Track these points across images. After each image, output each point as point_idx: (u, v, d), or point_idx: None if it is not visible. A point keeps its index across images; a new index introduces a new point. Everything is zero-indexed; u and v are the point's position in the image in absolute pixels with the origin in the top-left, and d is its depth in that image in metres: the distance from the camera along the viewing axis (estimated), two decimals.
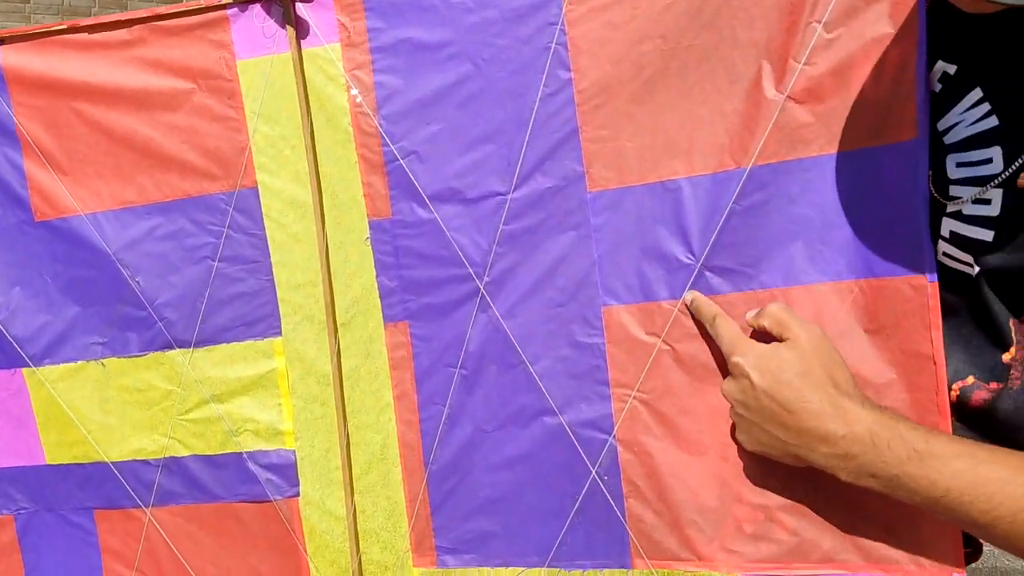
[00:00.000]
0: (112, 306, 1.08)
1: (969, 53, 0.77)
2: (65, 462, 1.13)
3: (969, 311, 0.79)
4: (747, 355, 0.80)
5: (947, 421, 0.79)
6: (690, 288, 0.89)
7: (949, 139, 0.78)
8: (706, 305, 0.87)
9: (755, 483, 0.88)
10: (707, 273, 0.88)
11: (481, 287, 0.96)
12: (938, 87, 0.79)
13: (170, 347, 1.07)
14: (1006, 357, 0.81)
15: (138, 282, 1.07)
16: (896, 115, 0.79)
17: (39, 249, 1.09)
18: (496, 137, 0.94)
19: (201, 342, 1.06)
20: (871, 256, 0.81)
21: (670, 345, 0.90)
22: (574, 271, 0.94)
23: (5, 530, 1.16)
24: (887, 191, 0.80)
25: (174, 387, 1.08)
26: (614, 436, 0.94)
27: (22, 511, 1.15)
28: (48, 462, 1.13)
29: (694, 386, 0.90)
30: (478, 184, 0.95)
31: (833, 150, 0.82)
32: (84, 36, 1.04)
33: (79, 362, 1.10)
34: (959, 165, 0.77)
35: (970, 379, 0.80)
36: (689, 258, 0.89)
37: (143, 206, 1.06)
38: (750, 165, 0.85)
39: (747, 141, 0.85)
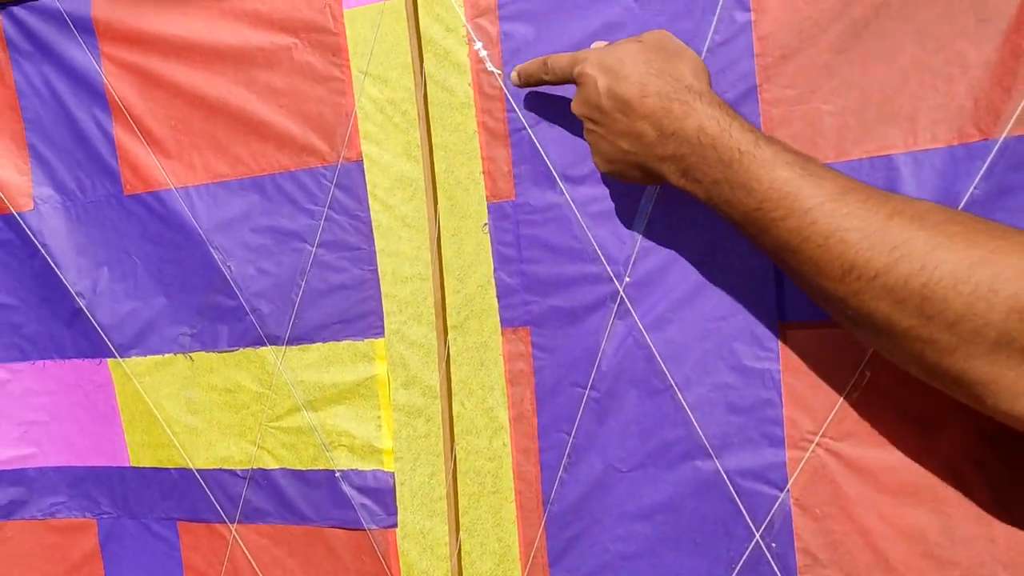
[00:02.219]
0: (203, 294, 0.95)
1: None
2: (150, 466, 1.01)
3: None
4: (588, 59, 0.68)
5: None
6: None
7: None
8: (531, 63, 0.74)
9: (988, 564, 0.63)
10: None
11: (620, 289, 0.76)
12: None
13: (261, 343, 0.93)
14: None
15: (230, 267, 0.93)
16: None
17: (128, 227, 0.98)
18: None
19: (294, 339, 0.92)
20: None
21: (868, 373, 0.67)
22: (742, 275, 0.72)
23: (87, 535, 1.06)
24: None
25: (265, 389, 0.94)
26: (788, 492, 0.71)
27: (105, 516, 1.05)
28: (132, 464, 1.02)
29: (904, 432, 0.66)
30: None
31: None
32: None
33: (167, 355, 0.98)
34: None
35: None
36: None
37: (237, 180, 0.92)
38: (1003, 136, 0.61)
39: (999, 102, 0.61)
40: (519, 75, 0.76)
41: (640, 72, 0.64)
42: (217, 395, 0.96)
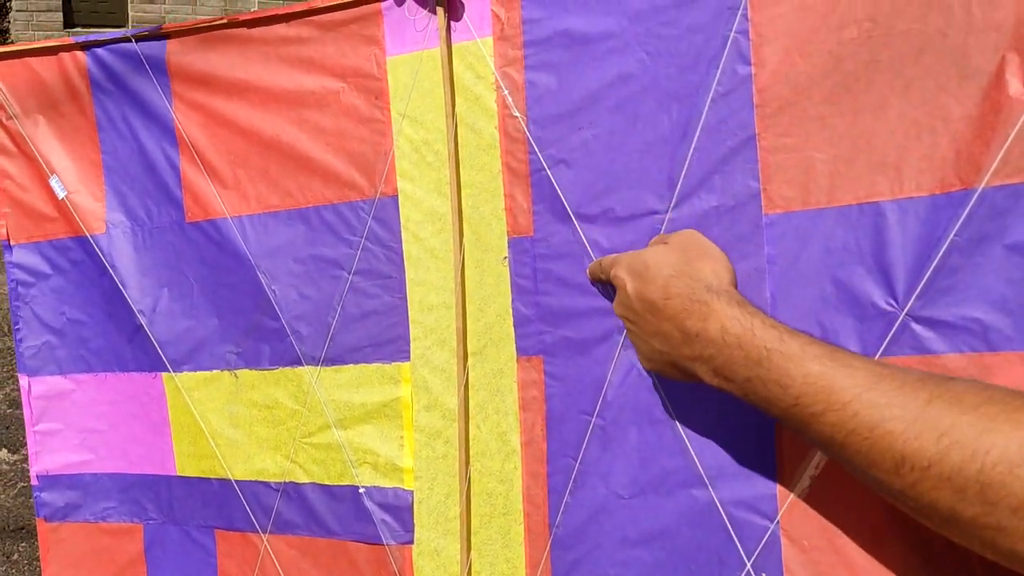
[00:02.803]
0: (250, 315, 1.03)
1: None
2: (194, 475, 1.08)
3: None
4: (620, 263, 0.74)
5: None
6: (889, 341, 0.68)
7: None
8: (592, 265, 0.82)
9: None
10: (914, 325, 0.67)
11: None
12: None
13: (299, 363, 1.00)
14: None
15: (274, 291, 1.01)
16: None
17: (188, 251, 1.06)
18: (657, 145, 0.79)
19: (329, 360, 0.98)
20: None
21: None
22: None
23: (134, 540, 1.13)
24: None
25: (300, 406, 1.00)
26: (778, 523, 0.74)
27: (151, 522, 1.12)
28: (178, 473, 1.09)
29: None
30: (632, 200, 0.80)
31: None
32: (243, 31, 1.01)
33: (214, 371, 1.06)
34: None
35: None
36: (891, 304, 0.68)
37: (285, 211, 1.00)
38: (982, 185, 0.64)
39: (980, 154, 0.64)
40: (590, 275, 0.82)
41: (664, 275, 0.67)
42: (257, 411, 1.03)
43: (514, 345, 0.88)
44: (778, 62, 0.73)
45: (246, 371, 1.04)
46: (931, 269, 0.66)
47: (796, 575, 0.73)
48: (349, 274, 0.97)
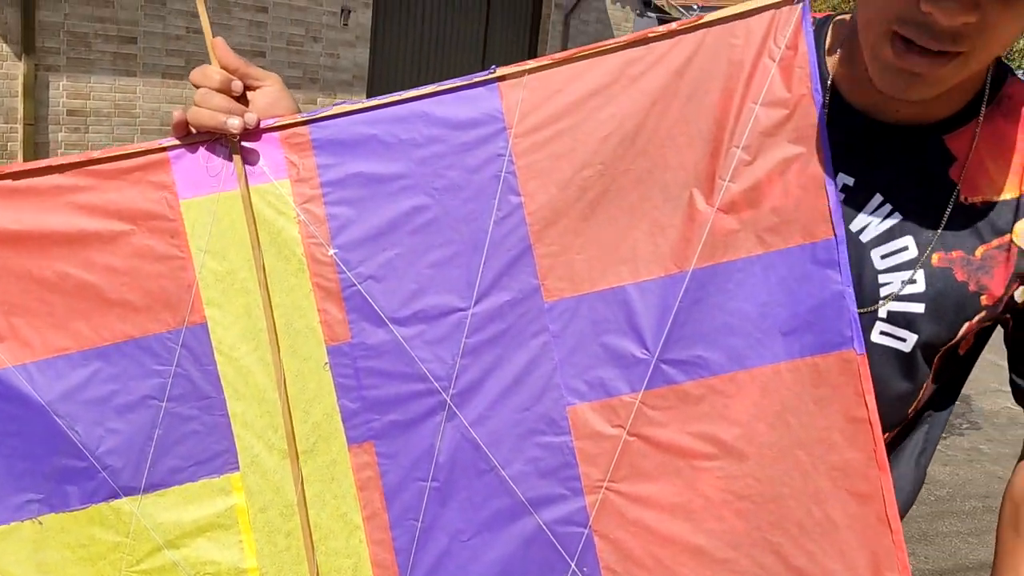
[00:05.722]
0: (47, 459, 1.02)
1: (863, 167, 0.97)
2: None
3: (898, 378, 0.95)
4: None
5: (887, 474, 0.93)
6: (648, 380, 0.99)
7: (865, 237, 0.96)
8: None
9: (729, 547, 0.97)
10: (662, 366, 0.98)
11: (448, 399, 1.01)
12: (842, 196, 0.96)
13: (116, 496, 1.03)
14: (909, 409, 0.99)
15: (77, 432, 1.02)
16: (813, 219, 0.94)
17: None
18: (453, 259, 1.01)
19: (151, 486, 1.03)
20: (804, 338, 0.95)
21: (635, 435, 0.99)
22: (537, 375, 1.01)
23: None
24: (811, 282, 0.95)
25: (123, 537, 1.03)
26: (590, 527, 1.00)
27: None
28: None
29: (663, 468, 0.98)
30: (438, 302, 1.02)
31: (760, 251, 0.96)
32: (8, 183, 1.02)
33: (11, 523, 1.02)
34: (883, 257, 0.95)
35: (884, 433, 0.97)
36: (644, 353, 0.99)
37: (79, 352, 1.03)
38: (691, 268, 0.98)
39: (685, 249, 0.98)
40: None
41: None
42: (71, 551, 1.03)
43: (344, 436, 1.03)
44: (540, 192, 1.00)
45: (52, 516, 1.03)
46: (668, 326, 0.98)
47: (609, 563, 1.00)
48: (163, 401, 1.03)
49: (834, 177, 0.95)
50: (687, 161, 0.98)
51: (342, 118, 1.02)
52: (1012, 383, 1.03)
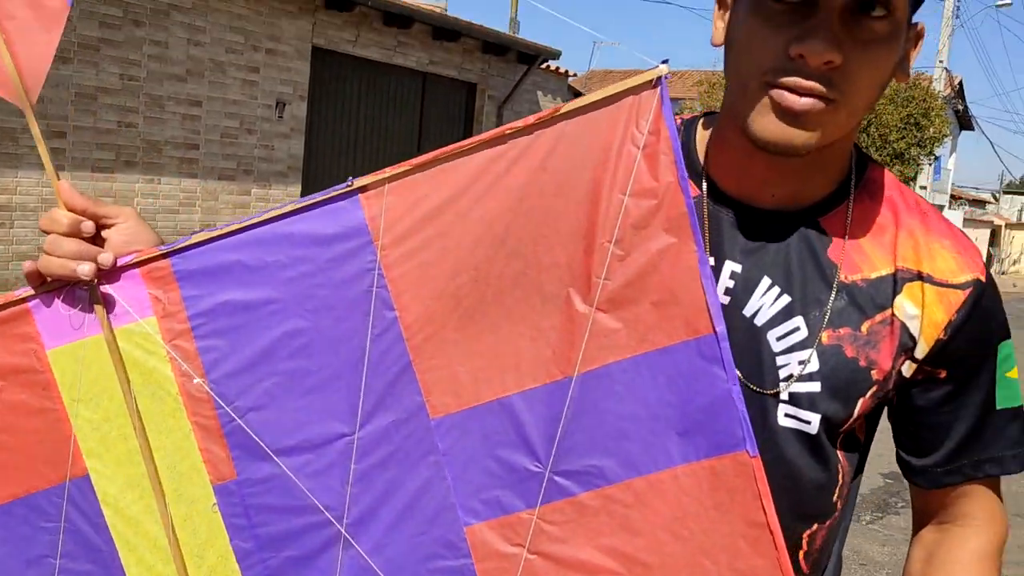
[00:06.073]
0: None
1: (747, 252, 0.95)
2: None
3: (811, 463, 0.93)
4: None
5: None
6: (543, 494, 0.93)
7: (759, 320, 0.94)
8: None
9: None
10: (556, 478, 0.93)
11: (343, 530, 0.97)
12: (731, 283, 0.93)
13: None
14: (834, 498, 0.95)
15: None
16: (693, 313, 0.89)
17: None
18: (333, 381, 0.97)
19: None
20: (698, 439, 0.89)
21: (536, 552, 0.94)
22: (431, 497, 0.96)
23: None
24: (699, 380, 0.89)
25: None
26: None
27: None
28: None
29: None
30: (323, 429, 0.97)
31: (645, 350, 0.91)
32: None
33: None
34: (778, 339, 0.94)
35: (814, 526, 0.95)
36: (537, 466, 0.94)
37: None
38: (575, 373, 0.92)
39: (568, 352, 0.93)
40: None
41: None
42: None
43: None
44: (415, 305, 0.95)
45: None
46: (558, 436, 0.93)
47: None
48: (56, 559, 0.99)
49: (720, 268, 0.90)
50: (560, 260, 0.93)
51: (204, 246, 0.98)
52: (899, 458, 1.02)
